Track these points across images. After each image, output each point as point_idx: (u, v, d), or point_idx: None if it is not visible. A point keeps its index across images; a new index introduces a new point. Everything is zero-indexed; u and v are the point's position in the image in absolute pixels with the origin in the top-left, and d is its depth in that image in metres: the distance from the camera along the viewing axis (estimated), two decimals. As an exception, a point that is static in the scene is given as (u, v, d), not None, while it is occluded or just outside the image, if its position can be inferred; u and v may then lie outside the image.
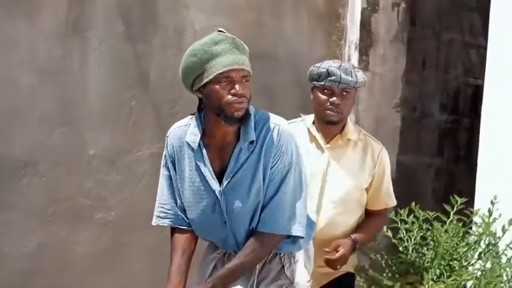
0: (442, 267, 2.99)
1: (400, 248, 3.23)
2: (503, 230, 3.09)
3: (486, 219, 3.14)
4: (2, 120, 3.84)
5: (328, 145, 3.23)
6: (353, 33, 4.43)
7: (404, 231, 3.27)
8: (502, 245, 3.17)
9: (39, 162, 3.84)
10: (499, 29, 3.64)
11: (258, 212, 2.63)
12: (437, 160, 4.81)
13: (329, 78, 3.16)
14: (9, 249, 3.87)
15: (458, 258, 3.00)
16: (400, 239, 3.23)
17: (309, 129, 3.27)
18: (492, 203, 3.28)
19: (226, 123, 2.57)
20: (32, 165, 3.84)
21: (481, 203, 3.53)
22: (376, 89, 4.47)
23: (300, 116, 3.35)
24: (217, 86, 2.52)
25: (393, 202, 3.34)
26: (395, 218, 3.35)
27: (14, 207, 3.84)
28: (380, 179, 3.26)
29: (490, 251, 3.04)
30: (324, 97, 3.18)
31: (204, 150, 2.65)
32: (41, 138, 3.88)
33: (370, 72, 4.43)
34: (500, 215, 3.24)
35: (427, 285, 2.88)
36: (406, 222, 3.29)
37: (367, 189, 3.26)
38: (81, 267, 3.93)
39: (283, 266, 2.74)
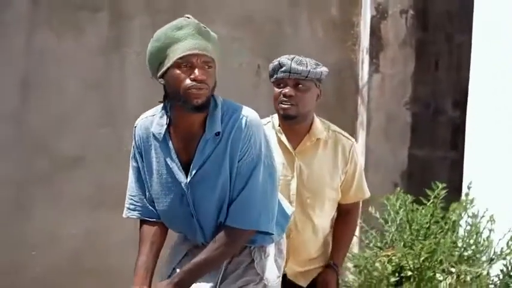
0: (414, 241, 3.79)
1: (386, 227, 4.03)
2: (465, 210, 3.88)
3: (458, 204, 3.94)
4: (54, 123, 4.85)
5: (297, 150, 3.27)
6: (365, 39, 5.26)
7: (391, 212, 4.06)
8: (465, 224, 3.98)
9: (86, 158, 4.83)
10: (483, 27, 4.39)
11: (225, 205, 2.68)
12: (452, 153, 5.56)
13: (280, 69, 3.20)
14: (62, 233, 4.87)
15: (429, 234, 3.80)
16: (384, 219, 4.03)
17: (277, 134, 3.30)
18: (468, 187, 4.09)
19: (186, 111, 2.60)
20: (81, 160, 4.84)
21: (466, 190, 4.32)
22: (386, 89, 5.29)
23: (268, 116, 3.35)
24: (177, 71, 2.57)
25: (365, 195, 3.43)
26: (386, 202, 4.15)
27: (66, 196, 4.85)
28: (352, 174, 3.34)
29: (454, 228, 3.83)
30: (278, 90, 3.22)
31: (170, 142, 2.69)
32: (87, 138, 4.86)
33: (380, 74, 5.26)
34: (473, 199, 4.04)
35: (398, 254, 3.68)
36: (394, 206, 4.09)
37: (340, 186, 3.34)
38: (124, 249, 4.85)
39: (253, 260, 2.79)
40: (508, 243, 3.84)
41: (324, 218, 3.34)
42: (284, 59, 3.22)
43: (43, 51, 4.83)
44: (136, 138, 2.78)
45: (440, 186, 4.03)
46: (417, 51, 5.36)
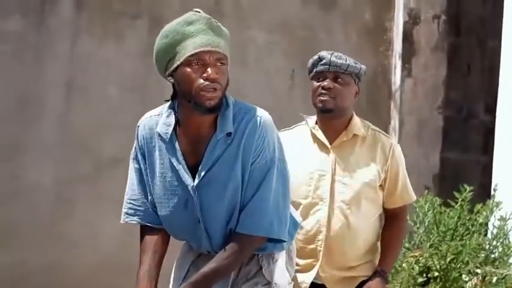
0: (441, 242, 3.92)
1: (414, 229, 4.16)
2: (491, 212, 3.99)
3: (483, 207, 4.05)
4: (96, 124, 5.05)
5: (333, 144, 3.20)
6: (398, 45, 5.38)
7: (420, 214, 4.19)
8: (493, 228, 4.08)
9: (126, 158, 5.02)
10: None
11: (237, 212, 2.52)
12: (483, 157, 5.65)
13: (320, 63, 3.17)
14: (103, 231, 5.07)
15: (455, 236, 3.92)
16: (413, 221, 4.16)
17: (311, 131, 3.24)
18: (494, 190, 4.19)
19: (197, 112, 2.44)
20: (121, 161, 5.03)
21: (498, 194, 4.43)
22: (418, 93, 5.40)
23: (304, 120, 3.30)
24: (188, 69, 2.41)
25: (411, 198, 3.31)
26: (415, 204, 4.28)
27: (107, 195, 5.05)
28: (394, 174, 3.20)
29: (480, 230, 3.94)
30: (316, 84, 3.18)
31: (176, 142, 2.52)
32: (127, 139, 5.05)
33: (412, 78, 5.38)
34: (499, 202, 4.15)
35: (425, 255, 3.81)
36: (423, 208, 4.22)
37: (382, 187, 3.20)
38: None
39: (261, 267, 2.64)
40: (534, 245, 3.95)
41: (362, 219, 3.17)
42: (323, 53, 3.19)
43: (86, 56, 5.04)
44: (139, 139, 2.60)
45: (467, 189, 4.14)
46: (449, 56, 5.46)
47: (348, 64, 3.15)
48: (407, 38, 5.36)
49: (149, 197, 2.60)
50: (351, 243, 3.16)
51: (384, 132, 3.29)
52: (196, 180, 2.51)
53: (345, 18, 5.44)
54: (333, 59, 3.14)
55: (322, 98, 3.14)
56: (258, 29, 5.23)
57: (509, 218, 4.06)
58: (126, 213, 2.65)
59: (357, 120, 3.23)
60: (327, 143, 3.20)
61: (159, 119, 2.56)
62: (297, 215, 2.80)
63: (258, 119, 2.49)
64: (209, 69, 2.39)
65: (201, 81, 2.39)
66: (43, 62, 5.04)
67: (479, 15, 5.52)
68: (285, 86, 5.34)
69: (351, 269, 3.20)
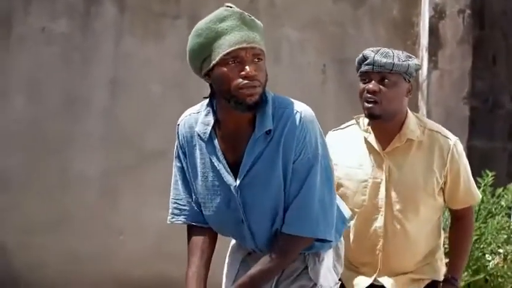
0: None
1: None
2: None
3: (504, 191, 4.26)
4: (140, 119, 5.36)
5: (386, 150, 3.01)
6: (424, 38, 5.60)
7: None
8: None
9: (168, 151, 5.31)
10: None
11: (281, 211, 2.45)
12: (510, 145, 5.85)
13: (364, 62, 2.95)
14: (146, 219, 5.38)
15: (479, 218, 4.14)
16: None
17: (363, 135, 3.05)
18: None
19: (237, 111, 2.36)
20: (163, 153, 5.33)
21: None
22: (445, 84, 5.62)
23: (353, 119, 3.13)
24: (225, 69, 2.32)
25: (475, 199, 3.15)
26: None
27: (150, 185, 5.35)
28: (455, 177, 3.02)
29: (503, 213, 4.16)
30: (362, 86, 2.98)
31: (216, 142, 2.45)
32: (169, 132, 5.33)
33: (439, 70, 5.59)
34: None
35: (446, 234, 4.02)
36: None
37: (442, 190, 3.04)
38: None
39: (306, 267, 2.56)
40: (554, 227, 4.16)
41: (421, 225, 3.03)
42: (368, 51, 2.97)
43: (129, 55, 5.35)
44: (180, 138, 2.52)
45: (489, 174, 4.35)
46: (474, 49, 5.66)
47: (394, 63, 2.90)
48: (433, 32, 5.58)
49: (193, 197, 2.54)
50: (409, 251, 3.05)
51: (442, 132, 3.06)
52: (238, 181, 2.44)
53: (374, 14, 5.67)
54: (377, 58, 2.91)
55: (367, 104, 2.93)
56: (290, 26, 5.48)
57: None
58: (172, 214, 2.60)
59: (411, 121, 3.01)
60: (380, 149, 3.02)
61: (198, 117, 2.48)
62: (345, 209, 2.67)
63: (298, 114, 2.40)
64: (247, 67, 2.31)
65: (240, 80, 2.32)
66: (89, 62, 5.37)
67: (502, 9, 5.71)
68: (317, 81, 5.59)
69: (410, 273, 3.07)
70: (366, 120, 3.04)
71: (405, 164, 3.00)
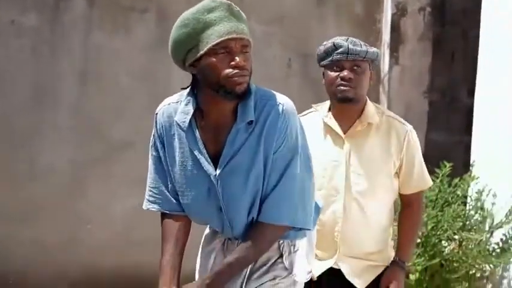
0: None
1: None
2: (468, 186, 4.39)
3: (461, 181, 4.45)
4: (108, 111, 5.45)
5: (347, 134, 3.11)
6: (386, 35, 5.77)
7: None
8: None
9: (136, 142, 5.42)
10: (490, 21, 4.88)
11: (258, 200, 2.48)
12: (466, 138, 6.05)
13: (336, 51, 3.04)
14: (114, 209, 5.48)
15: (436, 206, 4.32)
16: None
17: (323, 120, 3.15)
18: (471, 166, 4.59)
19: (226, 100, 2.39)
20: (131, 145, 5.43)
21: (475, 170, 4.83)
22: (406, 79, 5.80)
23: (311, 107, 3.25)
24: (214, 59, 2.34)
25: (427, 184, 3.24)
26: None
27: (118, 176, 5.45)
28: (410, 161, 3.13)
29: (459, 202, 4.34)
30: (334, 74, 3.05)
31: (196, 131, 2.47)
32: (137, 124, 5.46)
33: (400, 66, 5.77)
34: (477, 178, 4.55)
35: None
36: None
37: (397, 174, 3.13)
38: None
39: (281, 255, 2.60)
40: (506, 215, 4.34)
41: (377, 208, 3.12)
42: (339, 40, 3.06)
43: (98, 48, 5.44)
44: (158, 127, 2.55)
45: (447, 165, 4.53)
46: (434, 45, 5.85)
47: (367, 51, 3.04)
48: (394, 28, 5.76)
49: (169, 185, 2.56)
50: (367, 233, 3.12)
51: (399, 119, 3.19)
52: (219, 170, 2.46)
53: (337, 11, 5.83)
54: (351, 46, 3.02)
55: (342, 88, 3.03)
56: (256, 21, 5.61)
57: (483, 190, 4.46)
58: (148, 201, 2.62)
59: (371, 106, 3.14)
60: (340, 132, 3.11)
61: (177, 106, 2.50)
62: (318, 199, 2.74)
63: (280, 106, 2.42)
64: (237, 58, 2.34)
65: (230, 69, 2.35)
66: (58, 55, 5.44)
67: (462, 7, 5.91)
68: (282, 74, 5.73)
69: (367, 256, 3.14)
70: (326, 107, 3.16)
71: (364, 147, 3.10)
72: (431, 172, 4.92)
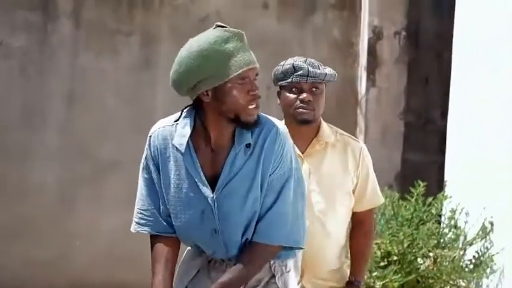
0: (399, 231, 4.50)
1: (376, 220, 4.74)
2: (442, 204, 4.60)
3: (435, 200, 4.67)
4: (95, 131, 5.61)
5: (305, 153, 3.11)
6: (363, 58, 5.99)
7: (381, 208, 4.77)
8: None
9: (122, 161, 5.58)
10: (462, 45, 5.11)
11: (254, 222, 2.52)
12: (441, 158, 6.27)
13: (296, 73, 3.05)
14: (101, 227, 5.63)
15: (412, 225, 4.52)
16: (375, 213, 4.72)
17: None
18: (444, 185, 4.80)
19: (238, 127, 2.46)
20: (117, 164, 5.59)
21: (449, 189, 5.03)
22: (382, 101, 6.02)
23: None
24: (233, 88, 2.42)
25: (380, 200, 3.28)
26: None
27: (105, 195, 5.61)
28: (365, 178, 3.17)
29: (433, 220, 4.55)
30: (292, 96, 3.06)
31: (194, 153, 2.51)
32: (123, 144, 5.62)
33: (376, 88, 6.00)
34: (450, 197, 4.76)
35: (386, 242, 4.40)
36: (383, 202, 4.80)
37: (353, 191, 3.15)
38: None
39: (273, 276, 2.62)
40: (478, 233, 4.56)
41: (337, 225, 3.14)
42: (298, 62, 3.08)
43: (84, 69, 5.62)
44: (152, 149, 2.56)
45: (421, 184, 4.74)
46: (409, 68, 6.08)
47: (325, 73, 3.06)
48: (371, 52, 5.99)
49: (161, 207, 2.57)
50: (329, 250, 3.14)
51: (352, 136, 3.24)
52: (216, 192, 2.50)
53: (316, 34, 6.04)
54: (311, 69, 3.04)
55: (301, 110, 3.05)
56: (238, 45, 5.80)
57: (456, 209, 4.67)
58: (138, 223, 2.62)
59: (325, 126, 3.17)
60: (299, 152, 3.08)
61: (173, 129, 2.53)
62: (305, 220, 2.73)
63: (276, 130, 2.50)
64: (253, 87, 2.45)
65: (248, 98, 2.43)
66: (45, 76, 5.61)
67: (436, 31, 6.14)
68: (262, 96, 5.89)
69: (328, 275, 3.16)
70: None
71: (323, 165, 3.12)
72: (407, 191, 5.17)
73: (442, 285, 4.34)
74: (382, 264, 4.49)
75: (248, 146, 2.49)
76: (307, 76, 3.03)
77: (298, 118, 3.06)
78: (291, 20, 6.01)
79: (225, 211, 2.52)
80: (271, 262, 2.62)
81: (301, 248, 2.62)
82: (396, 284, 4.30)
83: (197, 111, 2.51)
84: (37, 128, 5.57)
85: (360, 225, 3.22)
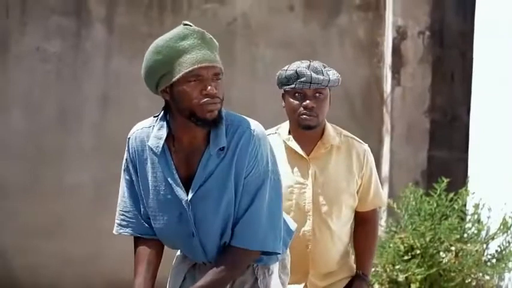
0: (421, 225, 4.61)
1: (401, 215, 4.86)
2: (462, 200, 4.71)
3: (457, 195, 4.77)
4: (128, 133, 5.76)
5: (310, 156, 3.14)
6: (388, 58, 6.11)
7: (405, 203, 4.88)
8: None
9: (154, 161, 5.75)
10: (484, 42, 5.20)
11: (230, 225, 2.49)
12: (466, 154, 6.35)
13: (299, 80, 3.05)
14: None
15: (434, 219, 4.63)
16: (399, 208, 4.85)
17: (286, 143, 3.16)
18: (466, 182, 4.90)
19: (198, 126, 2.42)
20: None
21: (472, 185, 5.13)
22: (407, 99, 6.13)
23: (274, 127, 3.23)
24: (186, 86, 2.37)
25: (383, 202, 3.34)
26: (401, 194, 4.97)
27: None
28: (368, 180, 3.20)
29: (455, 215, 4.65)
30: (296, 102, 3.07)
31: (168, 156, 2.48)
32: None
33: (401, 87, 6.10)
34: (473, 193, 4.86)
35: (409, 236, 4.51)
36: (407, 197, 4.92)
37: (357, 192, 3.20)
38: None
39: (256, 279, 2.60)
40: (500, 227, 4.66)
41: (342, 225, 3.20)
42: (301, 68, 3.07)
43: (118, 73, 5.81)
44: (131, 151, 2.58)
45: (444, 180, 4.84)
46: (434, 67, 6.17)
47: (329, 79, 3.06)
48: (396, 52, 6.10)
49: (142, 209, 2.56)
50: (334, 250, 3.18)
51: (356, 138, 3.25)
52: (190, 195, 2.48)
53: (341, 35, 6.17)
54: (314, 75, 3.03)
55: (305, 117, 3.07)
56: (265, 46, 5.97)
57: (477, 204, 4.77)
58: (120, 225, 2.62)
59: (330, 128, 3.18)
60: (305, 155, 3.14)
61: (150, 131, 2.53)
62: (291, 222, 2.74)
63: (251, 132, 2.46)
64: (209, 86, 2.38)
65: (201, 97, 2.38)
66: (80, 79, 5.83)
67: (459, 30, 6.22)
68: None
69: (332, 273, 3.21)
70: (286, 130, 3.18)
71: (328, 168, 3.14)
72: (433, 188, 5.26)
73: (464, 278, 4.45)
74: (405, 257, 4.61)
75: (222, 149, 2.46)
76: (310, 83, 3.03)
77: (302, 124, 3.09)
78: (316, 22, 6.15)
79: (199, 214, 2.50)
80: (254, 265, 2.60)
81: (278, 253, 2.58)
82: (419, 277, 4.43)
83: (166, 112, 2.51)
84: (72, 130, 5.79)
85: (363, 225, 3.27)
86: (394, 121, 6.11)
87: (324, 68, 3.11)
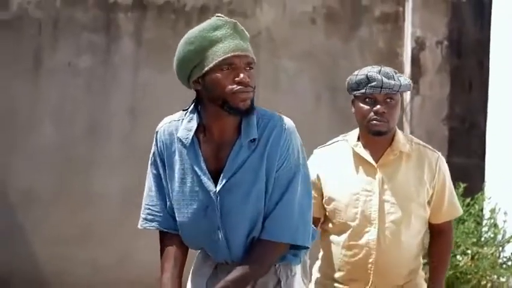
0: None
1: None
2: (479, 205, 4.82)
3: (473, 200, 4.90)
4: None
5: (379, 163, 3.05)
6: (407, 67, 6.25)
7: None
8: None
9: (181, 170, 5.94)
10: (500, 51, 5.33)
11: (260, 219, 2.45)
12: (484, 161, 6.46)
13: (369, 84, 2.99)
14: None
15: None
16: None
17: (353, 149, 3.09)
18: (482, 188, 5.02)
19: (230, 116, 2.40)
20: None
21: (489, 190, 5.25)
22: (426, 107, 6.27)
23: (339, 135, 3.20)
24: (219, 75, 2.37)
25: (458, 212, 3.20)
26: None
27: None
28: (441, 189, 3.09)
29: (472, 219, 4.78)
30: (366, 107, 3.00)
31: (197, 147, 2.45)
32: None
33: (420, 96, 6.25)
34: (489, 198, 4.98)
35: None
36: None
37: (429, 203, 3.09)
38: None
39: (279, 280, 2.54)
40: (515, 231, 4.80)
41: (411, 237, 3.08)
42: (372, 72, 3.02)
43: (145, 85, 6.00)
44: (159, 144, 2.57)
45: (461, 186, 4.97)
46: (452, 76, 6.31)
47: (400, 85, 3.01)
48: (415, 61, 6.25)
49: (168, 203, 2.53)
50: (401, 263, 3.07)
51: (428, 146, 3.18)
52: (219, 186, 2.45)
53: (362, 46, 6.32)
54: (385, 80, 2.98)
55: (375, 123, 3.00)
56: (287, 58, 6.13)
57: (494, 209, 4.90)
58: (145, 219, 2.59)
59: (400, 135, 3.12)
60: (373, 162, 3.06)
61: (179, 124, 2.54)
62: (313, 226, 2.65)
63: (282, 125, 2.45)
64: (241, 74, 2.38)
65: (234, 85, 2.38)
66: (109, 93, 6.04)
67: (477, 40, 6.36)
68: (311, 107, 6.22)
69: (401, 285, 3.10)
70: (355, 136, 3.12)
71: (397, 176, 3.05)
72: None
73: (479, 280, 4.57)
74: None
75: (253, 140, 2.44)
76: (381, 88, 2.98)
77: (372, 130, 3.02)
78: (337, 35, 6.30)
79: (227, 206, 2.46)
80: (276, 266, 2.54)
81: (307, 248, 2.55)
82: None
83: (198, 103, 2.51)
84: (101, 141, 5.99)
85: (439, 237, 3.18)
86: (414, 129, 6.25)
87: (395, 73, 3.08)
